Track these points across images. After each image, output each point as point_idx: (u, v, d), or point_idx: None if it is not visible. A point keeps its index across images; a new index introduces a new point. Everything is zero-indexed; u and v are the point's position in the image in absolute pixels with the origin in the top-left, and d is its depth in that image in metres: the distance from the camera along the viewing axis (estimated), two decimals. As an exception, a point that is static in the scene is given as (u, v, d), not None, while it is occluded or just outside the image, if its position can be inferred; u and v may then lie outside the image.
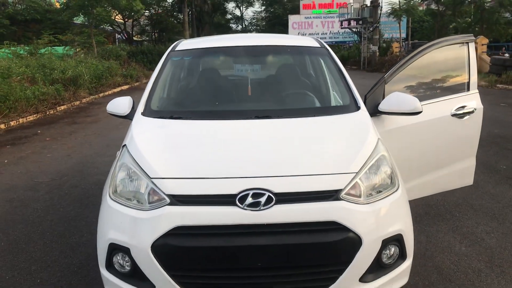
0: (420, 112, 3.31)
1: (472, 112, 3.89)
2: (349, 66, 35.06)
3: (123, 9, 29.16)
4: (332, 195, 2.43)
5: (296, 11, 44.91)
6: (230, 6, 56.87)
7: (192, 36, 40.20)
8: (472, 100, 3.94)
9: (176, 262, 2.40)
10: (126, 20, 39.57)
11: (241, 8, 56.62)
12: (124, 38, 42.89)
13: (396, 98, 3.37)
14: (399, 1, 37.16)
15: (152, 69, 21.09)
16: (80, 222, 4.44)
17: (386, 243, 2.51)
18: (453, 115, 3.83)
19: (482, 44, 22.43)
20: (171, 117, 3.20)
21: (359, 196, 2.50)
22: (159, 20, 44.38)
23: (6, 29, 27.70)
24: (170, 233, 2.36)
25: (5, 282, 3.33)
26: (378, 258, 2.51)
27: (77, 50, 22.95)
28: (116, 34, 43.53)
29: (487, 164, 6.13)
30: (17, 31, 29.37)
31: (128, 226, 2.48)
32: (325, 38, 43.17)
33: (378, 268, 2.55)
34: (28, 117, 11.51)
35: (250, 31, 58.13)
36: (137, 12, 29.71)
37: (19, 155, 7.50)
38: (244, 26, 58.44)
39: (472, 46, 4.01)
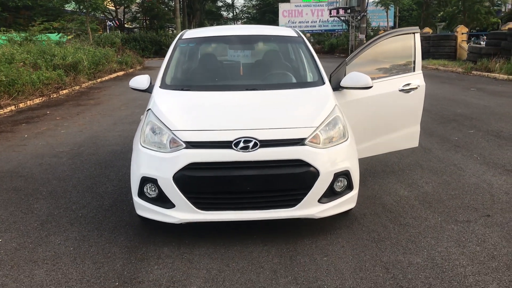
0: (371, 87, 4.38)
1: (416, 88, 4.95)
2: (337, 54, 36.10)
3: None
4: (299, 141, 3.49)
5: (286, -1, 45.74)
6: (221, -7, 57.44)
7: (183, 23, 40.83)
8: (417, 79, 5.00)
9: (190, 188, 3.46)
10: (117, 7, 40.13)
11: (232, -5, 57.29)
12: (115, 25, 43.45)
13: (353, 76, 4.43)
14: (387, -9, 38.14)
15: (145, 56, 22.04)
16: (103, 179, 5.46)
17: (337, 176, 3.58)
18: (401, 90, 4.89)
19: (462, 33, 23.55)
20: (182, 89, 4.26)
21: (319, 143, 3.56)
22: (150, 7, 44.81)
23: (-2, 15, 28.09)
24: (186, 167, 3.41)
25: (54, 216, 4.36)
26: (331, 187, 3.59)
27: (70, 37, 23.60)
28: (108, 21, 44.03)
29: (443, 136, 7.25)
30: (8, 18, 29.77)
31: (156, 163, 3.52)
32: (315, 26, 44.12)
33: (331, 194, 3.63)
34: (35, 99, 12.43)
35: (241, 19, 58.84)
36: (130, 1, 30.35)
37: (36, 131, 8.47)
38: (235, 13, 59.10)
39: (417, 36, 5.06)
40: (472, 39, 26.28)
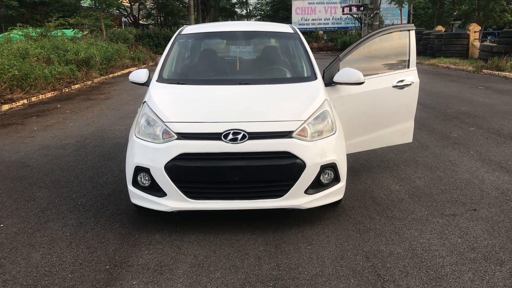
0: (363, 82, 4.47)
1: (410, 84, 5.03)
2: (349, 51, 35.92)
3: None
4: (286, 134, 3.61)
5: (299, -4, 45.67)
6: (235, -10, 57.60)
7: (197, 19, 41.03)
8: (411, 75, 5.07)
9: (181, 177, 3.60)
10: (132, 3, 40.48)
11: (246, -8, 57.37)
12: (130, 21, 43.84)
13: (346, 72, 4.52)
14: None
15: (158, 53, 22.26)
16: (105, 169, 5.64)
17: (323, 168, 3.70)
18: (394, 86, 4.97)
19: (475, 32, 23.35)
20: (178, 83, 4.41)
21: (306, 136, 3.68)
22: (165, 4, 45.07)
23: (15, 11, 28.52)
24: (177, 158, 3.55)
25: (55, 203, 4.54)
26: (318, 178, 3.70)
27: (85, 33, 23.93)
28: (123, 18, 44.45)
29: (442, 133, 7.29)
30: (26, 13, 30.25)
31: (149, 153, 3.67)
32: (328, 23, 44.02)
33: (318, 185, 3.74)
34: (47, 93, 12.71)
35: (254, 16, 58.95)
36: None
37: (45, 124, 8.70)
38: (248, 11, 59.19)
39: (412, 33, 5.12)
40: (489, 37, 25.90)
